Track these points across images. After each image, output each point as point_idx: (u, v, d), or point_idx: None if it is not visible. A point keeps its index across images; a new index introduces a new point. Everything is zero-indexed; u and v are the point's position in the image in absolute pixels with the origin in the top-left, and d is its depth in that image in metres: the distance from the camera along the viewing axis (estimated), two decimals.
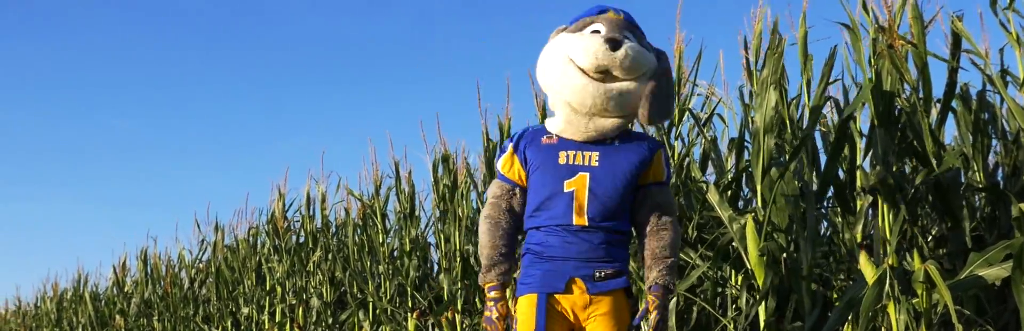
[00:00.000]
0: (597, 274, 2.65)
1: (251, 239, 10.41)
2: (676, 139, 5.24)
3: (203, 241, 11.60)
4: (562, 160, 2.74)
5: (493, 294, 2.73)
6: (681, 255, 4.76)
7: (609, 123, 2.73)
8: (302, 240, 9.35)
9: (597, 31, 2.75)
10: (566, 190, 2.71)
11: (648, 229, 2.73)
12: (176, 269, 12.36)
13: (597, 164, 2.73)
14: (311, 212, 9.27)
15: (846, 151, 4.36)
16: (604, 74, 2.68)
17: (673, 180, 5.02)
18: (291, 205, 9.85)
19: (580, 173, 2.72)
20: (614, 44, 2.66)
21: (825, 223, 4.77)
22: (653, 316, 2.64)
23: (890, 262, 3.64)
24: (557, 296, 2.65)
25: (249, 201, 14.75)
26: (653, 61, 2.76)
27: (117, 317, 13.83)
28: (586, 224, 2.68)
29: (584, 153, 2.75)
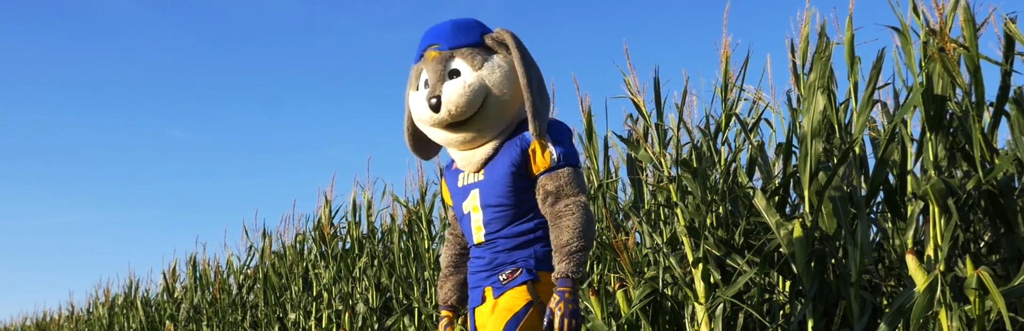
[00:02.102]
0: (502, 277, 2.68)
1: (298, 245, 10.49)
2: (722, 144, 5.20)
3: (251, 247, 11.71)
4: (460, 183, 2.85)
5: (441, 313, 2.96)
6: (732, 258, 4.73)
7: (484, 150, 2.78)
8: (348, 246, 9.40)
9: (426, 82, 2.79)
10: (465, 211, 2.81)
11: (549, 220, 2.65)
12: (224, 275, 12.49)
13: (483, 177, 2.78)
14: (357, 218, 9.33)
15: (896, 156, 4.30)
16: (448, 127, 2.75)
17: (720, 185, 4.98)
18: (337, 211, 9.93)
19: (471, 191, 2.80)
20: (435, 105, 2.70)
21: (874, 229, 4.70)
22: (557, 316, 2.49)
23: (941, 268, 3.58)
24: (477, 309, 2.76)
25: (296, 208, 14.88)
26: (486, 83, 2.73)
27: (167, 322, 14.01)
28: (483, 240, 2.75)
29: (474, 173, 2.82)
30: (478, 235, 2.77)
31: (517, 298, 2.63)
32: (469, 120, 2.72)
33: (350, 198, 9.44)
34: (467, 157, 2.81)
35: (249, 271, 11.78)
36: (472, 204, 2.79)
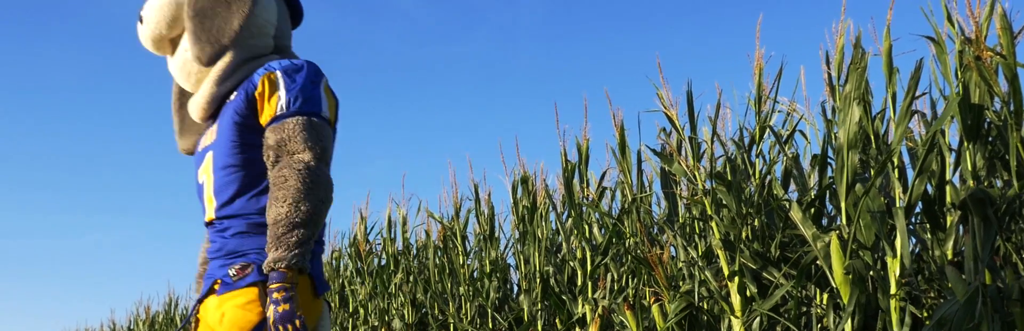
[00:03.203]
0: (231, 272, 2.05)
1: (334, 262, 10.53)
2: (757, 157, 5.16)
3: None
4: (200, 146, 2.29)
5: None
6: (768, 271, 4.68)
7: (203, 93, 2.23)
8: (384, 262, 9.42)
9: None
10: (199, 181, 2.25)
11: (270, 188, 2.02)
12: None
13: (214, 137, 2.21)
14: (392, 235, 9.36)
15: (935, 166, 4.24)
16: (158, 50, 2.32)
17: (755, 198, 4.94)
18: (373, 228, 9.96)
19: (206, 155, 2.23)
20: (140, 18, 2.29)
21: (913, 240, 4.63)
22: (270, 322, 1.92)
23: (982, 279, 3.52)
24: (204, 302, 2.12)
25: (332, 225, 14.97)
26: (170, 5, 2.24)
27: None
28: (213, 217, 2.17)
29: (210, 129, 2.27)
30: (208, 210, 2.18)
31: (247, 309, 2.00)
32: (177, 44, 2.26)
33: (385, 214, 9.48)
34: (193, 102, 2.27)
35: None
36: (205, 172, 2.21)
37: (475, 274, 7.85)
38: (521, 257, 7.11)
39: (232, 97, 2.16)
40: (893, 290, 4.04)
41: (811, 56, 5.00)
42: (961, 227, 3.99)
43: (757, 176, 5.07)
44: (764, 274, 4.66)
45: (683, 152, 5.45)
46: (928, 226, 4.31)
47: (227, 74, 2.18)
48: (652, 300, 5.08)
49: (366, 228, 9.84)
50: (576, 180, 6.68)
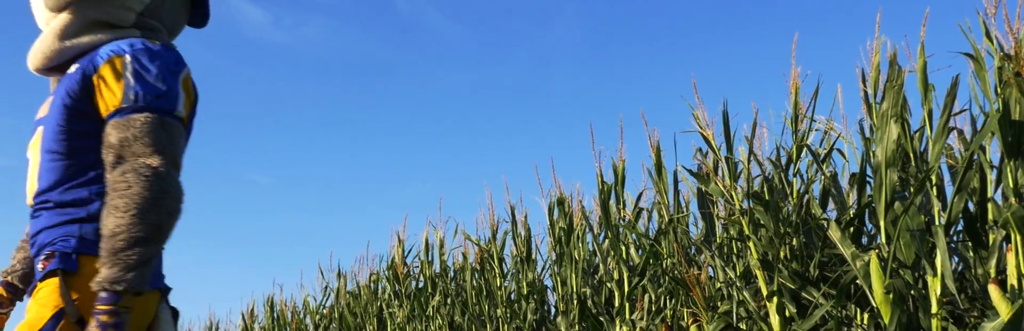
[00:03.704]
0: (39, 265, 1.81)
1: (372, 285, 10.56)
2: (794, 176, 5.12)
3: (326, 287, 11.83)
4: (38, 114, 1.98)
5: None
6: (807, 291, 4.62)
7: (43, 42, 1.95)
8: (421, 285, 9.43)
9: None
10: (27, 155, 1.96)
11: (108, 193, 1.73)
12: (301, 315, 12.60)
13: (46, 113, 1.92)
14: (430, 257, 9.37)
15: (975, 183, 4.18)
16: None
17: (793, 217, 4.89)
18: (410, 251, 9.99)
19: (37, 129, 1.94)
20: None
21: (955, 258, 4.56)
22: None
23: None
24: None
25: (370, 248, 15.02)
26: None
27: None
28: (31, 203, 1.91)
29: (48, 99, 1.97)
30: (29, 192, 1.91)
31: (42, 304, 1.73)
32: None
33: (422, 237, 9.51)
34: (32, 49, 2.00)
35: (325, 311, 11.87)
36: (34, 148, 1.93)
37: (512, 296, 7.83)
38: (558, 279, 7.08)
39: (71, 69, 1.88)
40: (934, 309, 3.97)
41: (847, 74, 4.97)
42: (1004, 245, 3.92)
43: (795, 195, 5.03)
44: (803, 294, 4.61)
45: (720, 172, 5.43)
46: (970, 244, 4.24)
47: (70, 30, 1.92)
48: (690, 321, 5.04)
49: (404, 251, 9.87)
50: (612, 201, 6.66)
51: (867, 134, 4.85)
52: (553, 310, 7.57)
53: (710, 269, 5.39)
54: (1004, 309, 3.48)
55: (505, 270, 8.04)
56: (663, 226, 5.96)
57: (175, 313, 1.94)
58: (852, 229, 4.66)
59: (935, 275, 3.99)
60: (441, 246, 9.25)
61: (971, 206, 4.20)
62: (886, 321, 4.03)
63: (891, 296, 4.04)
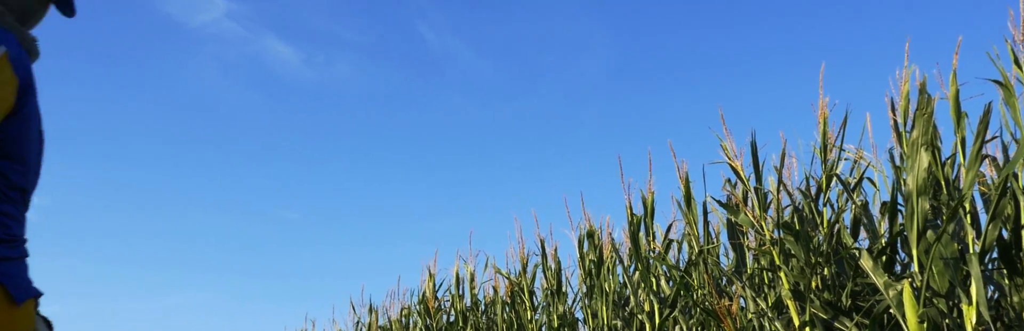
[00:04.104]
0: None
1: (404, 319, 10.52)
2: (824, 205, 5.08)
3: (358, 322, 11.80)
4: None
5: None
6: (839, 321, 4.55)
7: None
8: (453, 319, 9.39)
9: None
10: None
11: None
12: None
13: None
14: (460, 291, 9.35)
15: (1009, 210, 4.13)
16: None
17: (824, 247, 4.84)
18: (441, 285, 9.96)
19: None
20: None
21: (990, 286, 4.49)
22: None
23: None
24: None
25: (401, 282, 15.00)
26: None
27: None
28: None
29: None
30: None
31: None
32: None
33: (453, 271, 9.49)
34: None
35: None
36: None
37: (544, 329, 7.77)
38: (589, 311, 7.03)
39: None
40: None
41: (876, 103, 4.95)
42: None
43: (825, 225, 4.98)
44: (836, 324, 4.54)
45: (749, 203, 5.40)
46: (1005, 272, 4.17)
47: None
48: None
49: (434, 285, 9.85)
50: (642, 233, 6.63)
51: (897, 163, 4.81)
52: None
53: (741, 300, 5.33)
54: None
55: (536, 303, 7.99)
56: (693, 257, 5.92)
57: (48, 323, 1.80)
58: (884, 258, 4.60)
59: (970, 304, 3.92)
60: (472, 280, 9.23)
61: (1006, 233, 4.14)
62: None
63: (925, 325, 3.97)
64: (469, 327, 8.86)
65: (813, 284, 4.77)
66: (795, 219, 5.06)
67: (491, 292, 8.83)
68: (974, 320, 3.90)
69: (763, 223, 5.16)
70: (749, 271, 5.42)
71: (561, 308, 7.59)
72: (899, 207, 4.74)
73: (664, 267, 6.34)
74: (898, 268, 4.79)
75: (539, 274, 8.03)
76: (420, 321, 9.99)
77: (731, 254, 5.72)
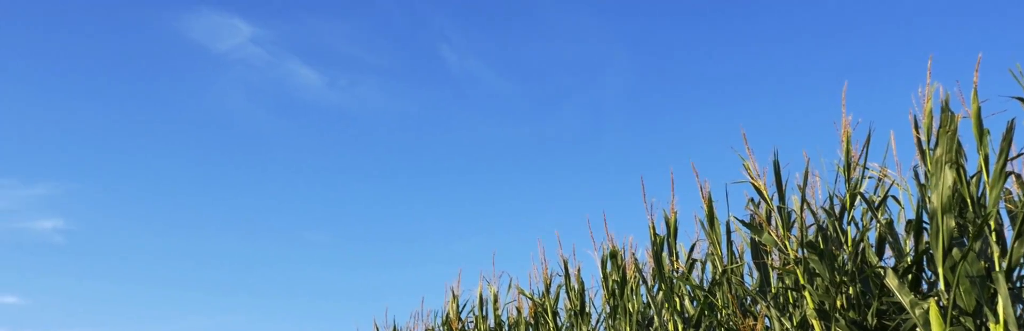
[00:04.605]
0: None
1: None
2: (849, 224, 5.05)
3: None
4: None
5: None
6: None
7: None
8: None
9: None
10: None
11: None
12: None
13: None
14: (484, 312, 9.32)
15: None
16: None
17: (849, 266, 4.81)
18: (465, 306, 9.93)
19: None
20: None
21: (1019, 305, 4.43)
22: None
23: None
24: None
25: (425, 303, 14.99)
26: None
27: None
28: None
29: None
30: None
31: None
32: None
33: (477, 292, 9.47)
34: None
35: None
36: None
37: None
38: None
39: None
40: None
41: (899, 121, 4.92)
42: None
43: (850, 243, 4.95)
44: None
45: (772, 222, 5.38)
46: None
47: None
48: None
49: (458, 306, 9.83)
50: (665, 253, 6.60)
51: (922, 180, 4.79)
52: None
53: (766, 319, 5.29)
54: None
55: (559, 324, 7.96)
56: (717, 277, 5.89)
57: None
58: (910, 276, 4.57)
59: (997, 322, 3.88)
60: (495, 301, 9.21)
61: None
62: None
63: None
64: None
65: (838, 303, 4.73)
66: (819, 238, 5.03)
67: (515, 313, 8.80)
68: None
69: (787, 242, 5.14)
70: (773, 290, 5.38)
71: (585, 329, 7.55)
72: (924, 225, 4.71)
73: (688, 287, 6.31)
74: (924, 286, 4.75)
75: (562, 295, 8.01)
76: None
77: (755, 273, 5.69)
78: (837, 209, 5.10)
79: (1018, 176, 4.67)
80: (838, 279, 4.73)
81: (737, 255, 6.12)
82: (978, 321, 4.03)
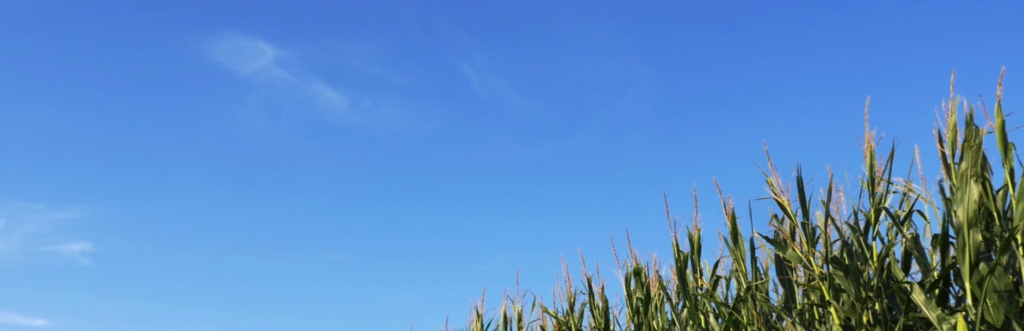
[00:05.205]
0: None
1: None
2: (874, 239, 5.01)
3: None
4: None
5: None
6: None
7: None
8: None
9: None
10: None
11: None
12: None
13: None
14: None
15: None
16: None
17: (874, 281, 4.77)
18: (489, 325, 9.89)
19: None
20: None
21: None
22: None
23: None
24: None
25: (449, 322, 14.95)
26: None
27: None
28: None
29: None
30: None
31: None
32: None
33: (500, 311, 9.44)
34: None
35: None
36: None
37: None
38: None
39: None
40: None
41: (923, 135, 4.90)
42: None
43: (875, 259, 4.91)
44: None
45: (797, 238, 5.35)
46: None
47: None
48: None
49: (482, 325, 9.79)
50: (689, 270, 6.57)
51: (947, 195, 4.75)
52: None
53: None
54: None
55: None
56: (742, 293, 5.85)
57: None
58: (937, 291, 4.53)
59: None
60: (519, 320, 9.17)
61: None
62: None
63: None
64: None
65: (865, 319, 4.68)
66: (844, 253, 4.99)
67: None
68: None
69: (811, 258, 5.10)
70: (799, 307, 5.34)
71: None
72: (950, 240, 4.67)
73: (712, 304, 6.27)
74: (952, 301, 4.70)
75: (587, 313, 7.98)
76: None
77: (780, 290, 5.65)
78: (862, 224, 5.07)
79: None
80: (864, 295, 4.69)
81: (762, 271, 6.08)
82: None
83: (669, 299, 6.88)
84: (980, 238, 4.20)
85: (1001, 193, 4.44)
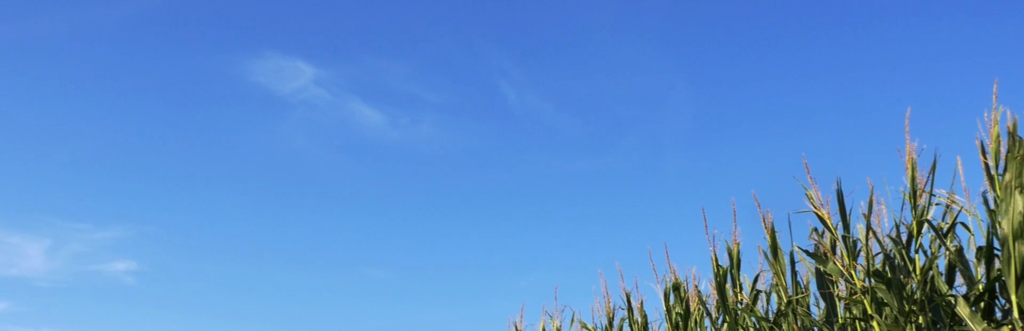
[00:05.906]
0: None
1: None
2: (916, 252, 4.94)
3: None
4: None
5: None
6: None
7: None
8: None
9: None
10: None
11: None
12: None
13: None
14: None
15: None
16: None
17: (918, 294, 4.70)
18: None
19: None
20: None
21: None
22: None
23: None
24: None
25: None
26: None
27: None
28: None
29: None
30: None
31: None
32: None
33: (539, 327, 9.40)
34: None
35: None
36: None
37: None
38: None
39: None
40: None
41: (965, 146, 4.84)
42: None
43: (918, 272, 4.84)
44: None
45: (837, 251, 5.29)
46: None
47: None
48: None
49: None
50: (728, 284, 6.51)
51: (991, 206, 4.68)
52: None
53: None
54: None
55: None
56: (782, 308, 5.79)
57: None
58: (982, 304, 4.45)
59: None
60: None
61: None
62: None
63: None
64: None
65: None
66: (886, 267, 4.93)
67: None
68: None
69: (853, 272, 5.04)
70: (841, 321, 5.27)
71: None
72: (995, 252, 4.59)
73: (752, 319, 6.20)
74: (998, 315, 4.61)
75: (626, 328, 7.91)
76: None
77: (821, 304, 5.58)
78: (904, 237, 5.00)
79: None
80: (907, 308, 4.62)
81: (802, 285, 6.01)
82: None
83: (709, 314, 6.82)
84: None
85: None
